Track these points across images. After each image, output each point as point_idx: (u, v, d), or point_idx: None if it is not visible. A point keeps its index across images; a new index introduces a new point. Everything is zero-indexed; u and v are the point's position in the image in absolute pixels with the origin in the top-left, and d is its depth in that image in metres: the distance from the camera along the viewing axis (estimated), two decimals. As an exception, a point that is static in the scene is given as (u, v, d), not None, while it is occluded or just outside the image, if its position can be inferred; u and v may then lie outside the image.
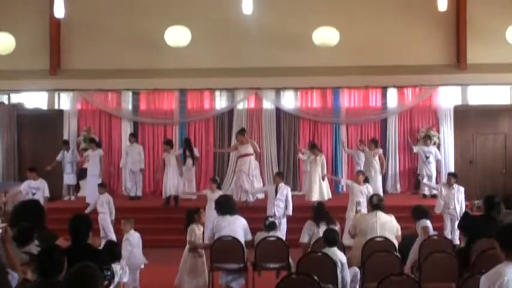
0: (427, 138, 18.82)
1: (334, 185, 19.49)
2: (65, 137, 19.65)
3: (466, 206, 14.56)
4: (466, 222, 9.82)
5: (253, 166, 17.10)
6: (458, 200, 14.34)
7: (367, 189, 14.25)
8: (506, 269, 5.20)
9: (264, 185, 18.13)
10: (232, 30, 19.13)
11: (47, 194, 15.57)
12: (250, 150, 17.03)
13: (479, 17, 19.01)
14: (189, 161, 18.07)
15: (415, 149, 18.73)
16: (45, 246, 6.15)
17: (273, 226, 10.99)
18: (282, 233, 12.87)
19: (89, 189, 17.18)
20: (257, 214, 13.85)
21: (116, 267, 7.46)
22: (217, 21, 19.23)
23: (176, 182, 17.21)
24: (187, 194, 17.24)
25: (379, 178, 17.42)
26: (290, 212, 14.53)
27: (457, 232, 13.56)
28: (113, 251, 7.88)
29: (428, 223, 10.48)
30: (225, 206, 10.43)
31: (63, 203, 18.14)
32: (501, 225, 6.00)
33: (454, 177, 14.68)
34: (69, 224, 6.65)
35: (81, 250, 6.29)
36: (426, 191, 18.26)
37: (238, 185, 17.14)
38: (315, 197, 16.16)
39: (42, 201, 13.98)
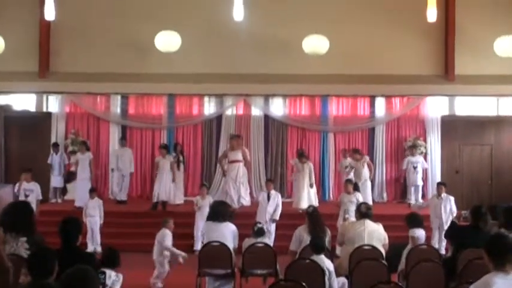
0: (413, 148, 18.93)
1: (322, 193, 19.56)
2: (53, 139, 19.58)
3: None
4: (453, 232, 9.90)
5: (241, 173, 17.13)
6: (445, 209, 14.44)
7: (356, 198, 14.28)
8: (494, 279, 5.23)
9: (250, 191, 18.25)
10: (222, 36, 19.09)
11: (39, 197, 15.47)
12: (239, 157, 17.08)
13: (468, 29, 19.12)
14: (181, 166, 18.12)
15: (404, 165, 18.85)
16: (35, 249, 6.15)
17: (261, 232, 11.02)
18: (270, 239, 12.91)
19: (79, 193, 17.10)
20: (244, 220, 13.83)
21: (110, 272, 7.44)
22: (208, 27, 19.21)
23: (169, 187, 17.22)
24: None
25: (369, 185, 17.56)
26: (277, 216, 14.62)
27: (444, 242, 13.66)
28: (113, 257, 7.85)
29: (416, 232, 10.55)
30: (218, 211, 10.44)
31: (51, 205, 18.03)
32: (489, 236, 6.04)
33: (444, 186, 14.79)
34: (60, 226, 6.64)
35: (72, 253, 6.30)
36: (413, 200, 18.37)
37: (224, 191, 17.16)
38: (304, 205, 16.17)
39: (35, 204, 13.92)
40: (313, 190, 17.12)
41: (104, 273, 6.61)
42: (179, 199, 18.11)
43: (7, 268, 6.19)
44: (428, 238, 13.22)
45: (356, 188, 14.93)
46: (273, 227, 14.53)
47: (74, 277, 4.59)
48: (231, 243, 10.16)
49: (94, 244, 14.64)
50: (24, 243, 6.85)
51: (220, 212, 10.44)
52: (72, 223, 6.77)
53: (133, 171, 18.90)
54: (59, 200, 18.75)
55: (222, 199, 16.39)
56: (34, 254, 5.52)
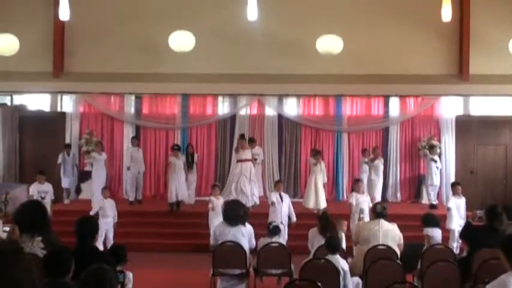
0: (436, 148, 18.79)
1: (336, 193, 19.56)
2: (67, 139, 19.64)
3: (468, 216, 14.54)
4: (468, 232, 9.85)
5: (253, 171, 17.17)
6: (463, 210, 14.42)
7: (367, 197, 14.36)
8: (510, 278, 5.21)
9: (264, 191, 18.30)
10: (236, 36, 19.12)
11: (53, 197, 15.59)
12: (249, 155, 17.14)
13: (483, 29, 19.04)
14: (193, 167, 18.09)
15: (432, 165, 18.63)
16: (51, 248, 6.16)
17: (276, 231, 11.04)
18: (284, 240, 12.90)
19: (95, 192, 17.16)
20: (257, 220, 13.81)
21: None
22: (222, 27, 19.24)
23: (183, 187, 17.24)
24: None
25: (381, 185, 17.60)
26: (295, 219, 14.59)
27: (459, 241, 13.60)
28: (120, 253, 7.86)
29: (430, 231, 10.53)
30: (229, 214, 10.34)
31: (64, 205, 18.05)
32: (506, 236, 6.01)
33: (460, 186, 14.74)
34: (76, 226, 6.66)
35: (88, 253, 6.32)
36: (434, 201, 18.26)
37: (238, 189, 17.13)
38: (323, 205, 16.18)
39: (50, 205, 14.26)
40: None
41: (123, 272, 6.61)
42: (191, 199, 18.11)
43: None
44: (445, 238, 13.13)
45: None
46: (286, 227, 14.50)
47: (94, 276, 4.60)
48: (245, 244, 10.10)
49: (107, 244, 14.65)
50: (40, 242, 6.86)
51: (231, 214, 10.26)
52: (88, 223, 6.79)
53: (144, 170, 18.92)
54: (67, 201, 18.69)
55: (238, 198, 16.49)
56: (50, 253, 5.53)
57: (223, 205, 11.32)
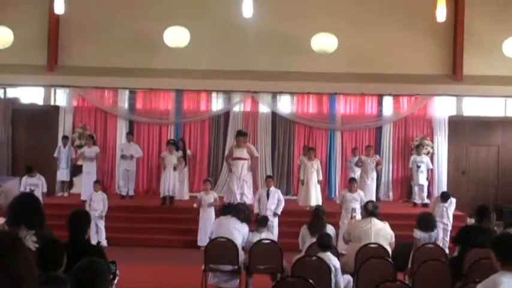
0: (420, 148, 18.82)
1: (328, 191, 19.58)
2: (60, 133, 19.55)
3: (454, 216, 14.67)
4: (460, 233, 9.90)
5: (245, 171, 16.97)
6: (450, 213, 14.47)
7: (360, 196, 14.31)
8: (501, 278, 5.23)
9: (256, 188, 18.24)
10: (231, 32, 19.13)
11: (44, 189, 15.56)
12: (244, 154, 16.92)
13: (477, 29, 19.10)
14: (184, 162, 17.99)
15: (410, 163, 18.69)
16: (43, 242, 6.15)
17: (265, 220, 11.07)
18: (273, 234, 12.90)
19: (85, 187, 17.10)
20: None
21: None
22: (217, 23, 19.26)
23: (173, 183, 17.21)
24: None
25: (374, 185, 17.62)
26: (279, 211, 14.57)
27: (447, 243, 13.69)
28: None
29: (418, 234, 10.57)
30: (231, 207, 10.46)
31: (57, 199, 18.04)
32: (497, 235, 6.04)
33: (448, 195, 14.79)
34: (68, 219, 6.64)
35: (80, 246, 6.31)
36: (417, 200, 18.33)
37: (228, 188, 17.15)
38: (313, 202, 16.16)
39: (40, 198, 14.10)
40: (319, 188, 17.09)
41: (115, 262, 6.61)
42: (185, 195, 18.08)
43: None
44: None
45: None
46: (275, 222, 14.49)
47: (86, 269, 4.59)
48: (237, 239, 10.16)
49: (99, 238, 14.67)
50: (33, 236, 6.85)
51: (233, 207, 10.43)
52: (80, 216, 6.77)
53: (132, 168, 18.60)
54: (66, 194, 18.75)
55: (227, 196, 16.49)
56: (42, 247, 5.53)
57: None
